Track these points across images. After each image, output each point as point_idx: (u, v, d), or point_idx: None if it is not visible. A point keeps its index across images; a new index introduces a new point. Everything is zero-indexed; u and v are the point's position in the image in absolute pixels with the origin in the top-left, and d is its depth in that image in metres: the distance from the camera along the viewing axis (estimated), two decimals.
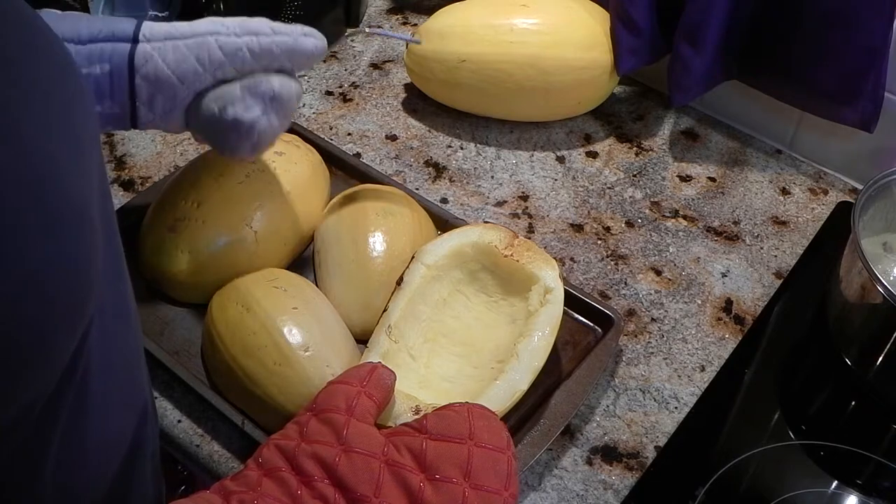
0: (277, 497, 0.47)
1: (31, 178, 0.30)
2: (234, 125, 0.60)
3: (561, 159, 0.89)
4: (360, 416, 0.51)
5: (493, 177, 0.87)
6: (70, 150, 0.34)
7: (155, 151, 0.89)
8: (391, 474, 0.48)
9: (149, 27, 0.58)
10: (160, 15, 0.65)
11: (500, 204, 0.84)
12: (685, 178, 0.88)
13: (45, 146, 0.32)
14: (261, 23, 0.60)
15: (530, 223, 0.82)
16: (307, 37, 0.62)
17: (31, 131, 0.31)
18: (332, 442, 0.49)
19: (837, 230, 0.81)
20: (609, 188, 0.86)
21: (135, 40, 0.57)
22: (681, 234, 0.82)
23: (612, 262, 0.79)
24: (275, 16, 0.99)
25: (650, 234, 0.82)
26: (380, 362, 0.56)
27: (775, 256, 0.80)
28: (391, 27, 1.06)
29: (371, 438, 0.50)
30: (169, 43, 0.58)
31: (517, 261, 0.67)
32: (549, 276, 0.66)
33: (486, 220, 0.82)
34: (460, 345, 0.67)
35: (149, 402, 0.50)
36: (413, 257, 0.68)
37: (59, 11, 0.58)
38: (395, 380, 0.55)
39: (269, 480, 0.49)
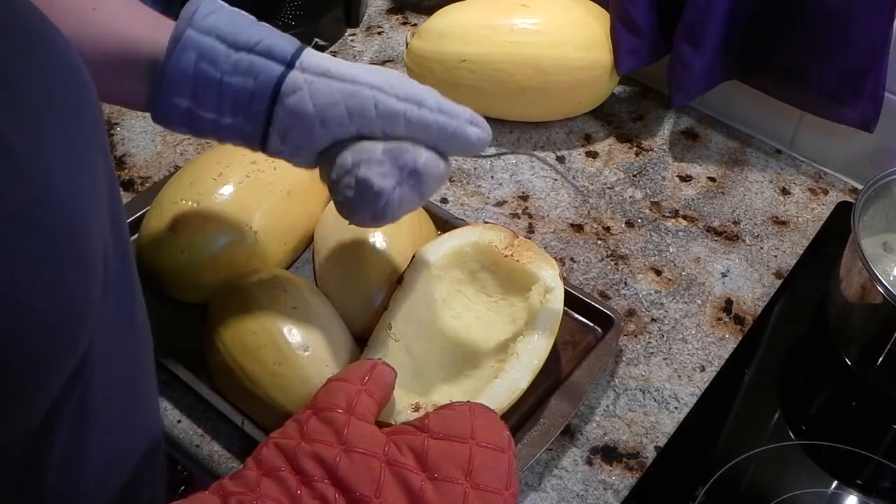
0: (276, 497, 0.47)
1: (26, 202, 0.30)
2: (362, 186, 0.53)
3: (561, 159, 0.89)
4: (360, 414, 0.50)
5: (493, 177, 0.87)
6: (68, 167, 0.33)
7: (155, 151, 0.89)
8: (392, 474, 0.48)
9: (308, 56, 0.53)
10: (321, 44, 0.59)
11: (500, 204, 0.84)
12: (685, 178, 0.88)
13: (40, 166, 0.31)
14: (427, 93, 0.54)
15: (530, 223, 0.82)
16: (472, 126, 0.55)
17: (25, 151, 0.30)
18: (333, 441, 0.49)
19: (837, 230, 0.81)
20: (609, 188, 0.86)
21: (290, 65, 0.52)
22: (681, 234, 0.82)
23: (612, 262, 0.79)
24: (275, 16, 0.99)
25: (650, 234, 0.82)
26: (380, 359, 0.55)
27: (775, 256, 0.80)
28: (391, 27, 1.06)
29: (372, 437, 0.49)
30: (323, 81, 0.52)
31: (517, 260, 0.67)
32: (549, 276, 0.66)
33: (486, 220, 0.82)
34: (460, 345, 0.67)
35: (157, 411, 0.49)
36: (413, 257, 0.68)
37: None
38: (395, 377, 0.55)
39: (268, 480, 0.48)
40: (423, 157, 0.54)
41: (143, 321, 0.47)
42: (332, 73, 0.53)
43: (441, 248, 0.69)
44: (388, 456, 0.49)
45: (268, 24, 0.54)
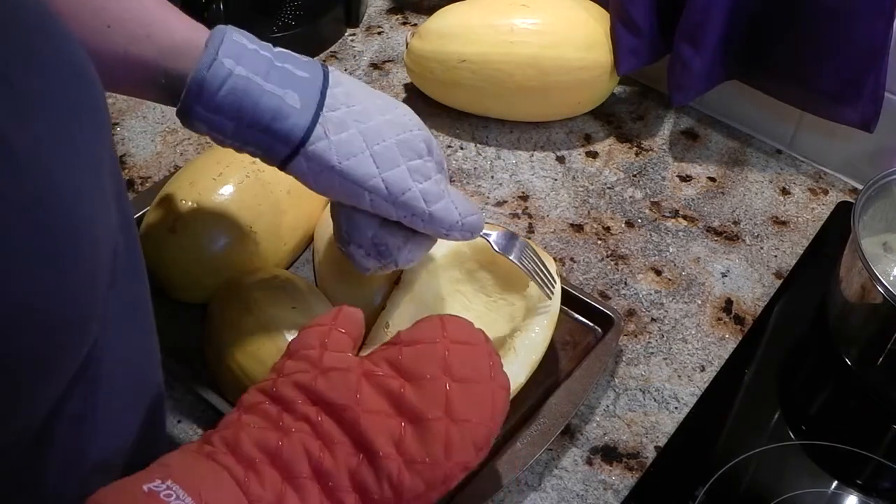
0: (259, 426, 0.47)
1: (25, 201, 0.30)
2: (345, 254, 0.60)
3: (561, 159, 0.89)
4: (333, 347, 0.50)
5: (493, 177, 0.87)
6: (68, 167, 0.33)
7: (155, 151, 0.89)
8: (370, 383, 0.47)
9: (316, 142, 0.53)
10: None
11: (500, 204, 0.84)
12: (685, 178, 0.88)
13: (40, 165, 0.31)
14: (420, 199, 0.56)
15: (530, 223, 0.82)
16: (457, 232, 0.59)
17: (24, 150, 0.30)
18: (309, 369, 0.48)
19: (837, 230, 0.81)
20: (609, 188, 0.86)
21: (296, 150, 0.53)
22: (681, 234, 0.82)
23: (612, 262, 0.79)
24: (275, 16, 0.99)
25: (650, 234, 0.82)
26: (344, 304, 0.55)
27: (775, 256, 0.80)
28: (391, 27, 1.06)
29: (346, 359, 0.49)
30: (325, 175, 0.54)
31: None
32: None
33: (486, 220, 0.82)
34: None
35: (164, 399, 0.49)
36: None
37: (247, 43, 0.53)
38: (363, 317, 0.54)
39: (249, 415, 0.48)
40: (404, 256, 0.59)
41: (150, 316, 0.47)
42: (334, 169, 0.54)
43: (439, 247, 0.69)
44: (364, 369, 0.48)
45: (285, 71, 0.53)
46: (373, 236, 0.57)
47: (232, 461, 0.45)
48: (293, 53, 0.55)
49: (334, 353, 0.49)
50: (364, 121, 0.55)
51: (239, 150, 0.54)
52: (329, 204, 0.60)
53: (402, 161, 0.55)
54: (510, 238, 0.65)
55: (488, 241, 0.64)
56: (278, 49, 0.54)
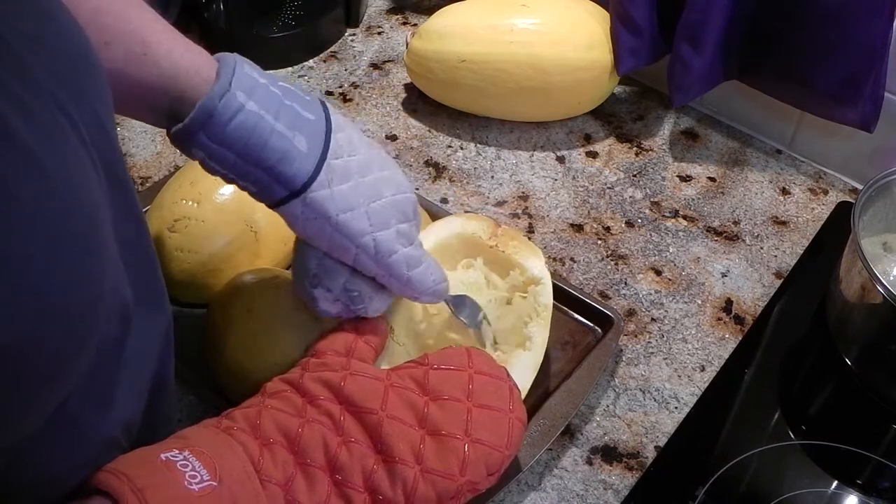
0: (283, 410, 0.49)
1: (47, 202, 0.30)
2: (310, 299, 0.57)
3: (561, 159, 0.89)
4: (358, 356, 0.53)
5: (493, 177, 0.87)
6: (63, 160, 0.32)
7: (155, 151, 0.89)
8: (396, 395, 0.50)
9: (317, 189, 0.51)
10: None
11: (500, 204, 0.84)
12: (685, 178, 0.88)
13: (55, 161, 0.31)
14: (404, 263, 0.55)
15: (530, 223, 0.82)
16: (430, 296, 0.58)
17: (40, 148, 0.30)
18: (338, 369, 0.51)
19: (837, 230, 0.81)
20: (609, 188, 0.86)
21: (295, 194, 0.51)
22: (681, 234, 0.82)
23: (612, 262, 0.79)
24: (275, 16, 0.99)
25: (650, 234, 0.82)
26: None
27: (775, 256, 0.80)
28: (391, 27, 1.06)
29: (373, 369, 0.52)
30: (319, 222, 0.52)
31: (503, 251, 0.67)
32: (537, 267, 0.66)
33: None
34: (457, 341, 0.67)
35: (171, 381, 0.49)
36: None
37: (261, 81, 0.50)
38: (387, 327, 0.58)
39: (273, 399, 0.50)
40: (374, 306, 0.57)
41: (166, 303, 0.47)
42: (330, 221, 0.52)
43: (426, 242, 0.68)
44: (391, 381, 0.51)
45: (293, 110, 0.51)
46: (345, 282, 0.56)
47: (249, 438, 0.47)
48: (295, 89, 0.53)
49: (360, 363, 0.53)
50: (365, 174, 0.53)
51: (231, 182, 0.52)
52: (295, 240, 0.58)
53: (394, 223, 0.54)
54: (463, 300, 0.64)
55: (447, 304, 0.63)
56: (282, 83, 0.52)
